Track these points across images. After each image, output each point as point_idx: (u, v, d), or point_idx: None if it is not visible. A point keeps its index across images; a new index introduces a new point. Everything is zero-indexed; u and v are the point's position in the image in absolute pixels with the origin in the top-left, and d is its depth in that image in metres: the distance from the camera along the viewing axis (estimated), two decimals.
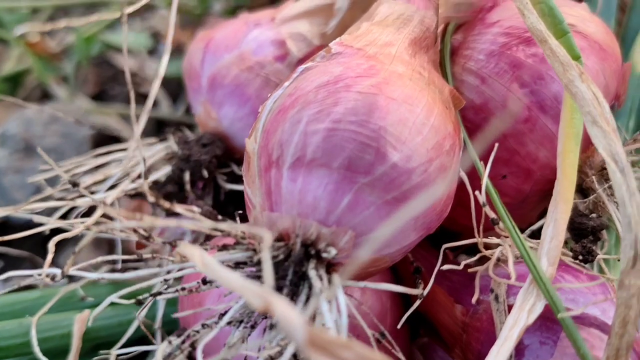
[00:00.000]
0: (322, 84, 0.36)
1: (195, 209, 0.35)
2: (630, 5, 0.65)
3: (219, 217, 0.36)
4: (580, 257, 0.42)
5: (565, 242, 0.46)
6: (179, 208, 0.34)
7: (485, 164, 0.41)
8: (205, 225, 0.34)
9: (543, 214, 0.48)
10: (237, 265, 0.37)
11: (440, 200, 0.38)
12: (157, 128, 0.93)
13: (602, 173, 0.48)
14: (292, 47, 0.55)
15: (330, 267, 0.36)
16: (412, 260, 0.47)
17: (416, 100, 0.36)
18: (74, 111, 0.86)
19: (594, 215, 0.46)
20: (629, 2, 0.66)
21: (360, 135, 0.35)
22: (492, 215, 0.38)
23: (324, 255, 0.36)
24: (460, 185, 0.46)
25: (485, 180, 0.38)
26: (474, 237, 0.51)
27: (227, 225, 0.34)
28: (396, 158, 0.35)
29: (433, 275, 0.42)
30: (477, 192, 0.38)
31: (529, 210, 0.50)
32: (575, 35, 0.45)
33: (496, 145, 0.43)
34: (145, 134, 0.91)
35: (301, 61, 0.55)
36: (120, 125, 0.90)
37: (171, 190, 0.55)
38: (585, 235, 0.44)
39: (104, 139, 0.85)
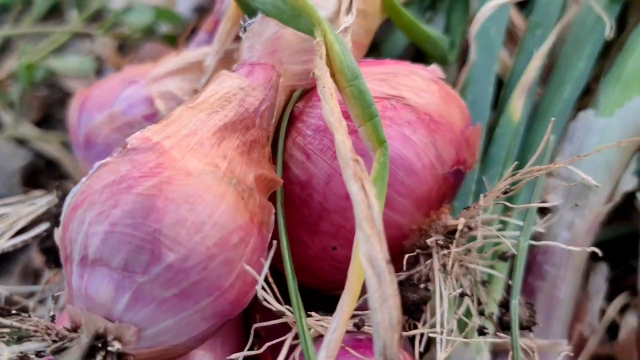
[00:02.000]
0: (108, 184, 0.38)
1: None
2: (521, 41, 0.64)
3: (13, 311, 0.39)
4: None
5: None
6: None
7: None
8: None
9: None
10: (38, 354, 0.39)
11: (231, 290, 0.39)
12: None
13: (447, 238, 0.49)
14: (160, 106, 0.56)
15: (122, 358, 0.38)
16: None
17: (199, 198, 0.38)
18: (10, 140, 0.89)
19: (422, 286, 0.46)
20: (521, 34, 0.65)
21: (136, 237, 0.37)
22: (277, 307, 0.39)
23: (110, 348, 0.37)
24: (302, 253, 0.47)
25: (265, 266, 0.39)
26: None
27: (15, 323, 0.37)
28: (172, 259, 0.37)
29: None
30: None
31: None
32: (404, 109, 0.46)
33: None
34: None
35: None
36: (61, 153, 0.92)
37: (51, 245, 0.57)
38: (407, 309, 0.45)
39: (39, 170, 0.88)
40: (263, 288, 0.40)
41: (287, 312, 0.40)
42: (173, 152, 0.39)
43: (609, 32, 0.59)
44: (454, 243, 0.47)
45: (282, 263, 0.50)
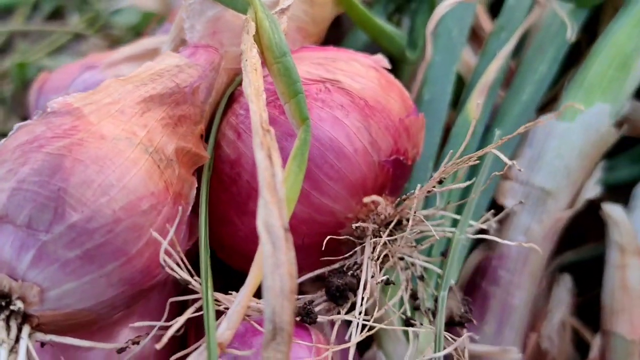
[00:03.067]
0: (21, 143, 0.38)
1: None
2: (486, 43, 0.64)
3: None
4: (298, 318, 0.42)
5: None
6: None
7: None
8: None
9: None
10: None
11: (139, 257, 0.39)
12: None
13: (386, 229, 0.48)
14: None
15: (27, 319, 0.38)
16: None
17: (109, 162, 0.38)
18: None
19: (351, 273, 0.45)
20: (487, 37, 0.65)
21: (41, 195, 0.37)
22: (182, 275, 0.39)
23: (12, 307, 0.37)
24: (233, 234, 0.47)
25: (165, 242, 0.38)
26: None
27: None
28: (75, 218, 0.36)
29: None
30: (164, 259, 0.38)
31: (318, 256, 0.49)
32: (338, 92, 0.46)
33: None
34: None
35: None
36: None
37: None
38: (331, 294, 0.44)
39: None
40: (183, 267, 0.40)
41: (193, 282, 0.39)
42: (90, 117, 0.40)
43: (570, 35, 0.59)
44: (386, 232, 0.46)
45: (220, 251, 0.49)
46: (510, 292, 0.58)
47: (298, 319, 0.42)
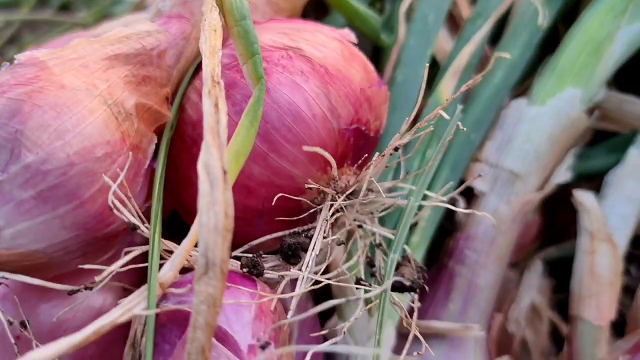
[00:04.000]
0: None
1: None
2: (462, 29, 0.65)
3: None
4: (245, 270, 0.43)
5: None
6: None
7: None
8: None
9: None
10: None
11: (92, 202, 0.40)
12: None
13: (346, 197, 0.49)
14: None
15: None
16: None
17: (66, 109, 0.40)
18: None
19: (305, 234, 0.47)
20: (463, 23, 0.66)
21: None
22: (131, 219, 0.40)
23: None
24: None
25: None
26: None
27: None
28: (30, 159, 0.38)
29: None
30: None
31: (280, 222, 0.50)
32: (299, 59, 0.47)
33: None
34: None
35: None
36: None
37: None
38: (284, 253, 0.45)
39: None
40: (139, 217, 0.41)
41: (142, 227, 0.40)
42: (54, 69, 0.42)
43: (541, 21, 0.60)
44: (342, 197, 0.48)
45: (183, 212, 0.51)
46: (476, 272, 0.59)
47: (245, 270, 0.43)
